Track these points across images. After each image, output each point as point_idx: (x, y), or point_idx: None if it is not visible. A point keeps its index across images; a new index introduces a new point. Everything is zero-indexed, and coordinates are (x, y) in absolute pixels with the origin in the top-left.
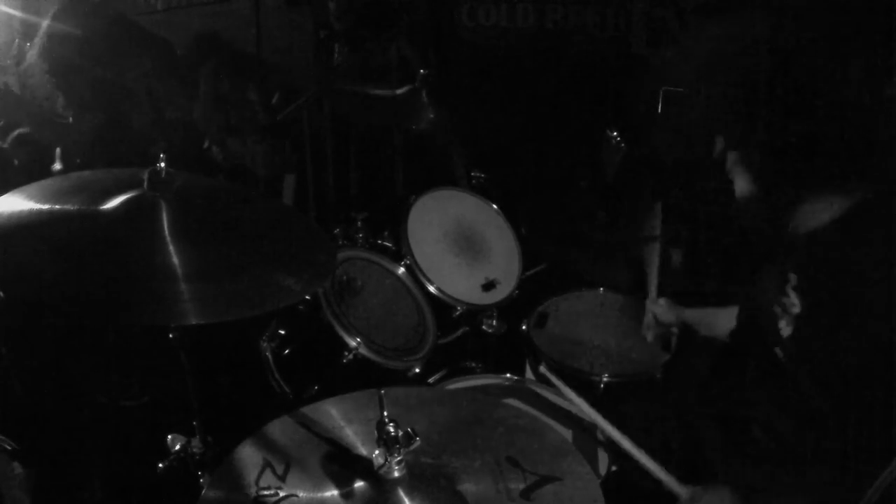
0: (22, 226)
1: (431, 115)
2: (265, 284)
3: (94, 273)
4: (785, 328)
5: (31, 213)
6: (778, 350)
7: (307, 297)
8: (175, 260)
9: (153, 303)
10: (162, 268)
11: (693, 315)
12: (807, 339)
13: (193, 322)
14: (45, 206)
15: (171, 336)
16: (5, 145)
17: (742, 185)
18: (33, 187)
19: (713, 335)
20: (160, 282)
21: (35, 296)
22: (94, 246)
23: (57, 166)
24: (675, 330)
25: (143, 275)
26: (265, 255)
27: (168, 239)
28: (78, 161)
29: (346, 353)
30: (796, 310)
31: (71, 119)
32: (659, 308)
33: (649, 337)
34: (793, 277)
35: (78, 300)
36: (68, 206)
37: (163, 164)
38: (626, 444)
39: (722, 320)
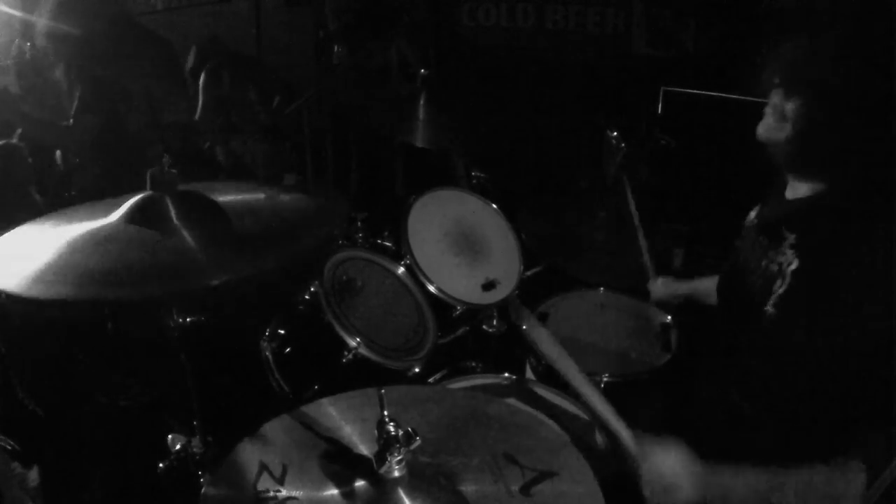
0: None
1: (428, 124)
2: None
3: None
4: (780, 286)
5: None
6: (769, 308)
7: (307, 296)
8: (188, 238)
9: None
10: (176, 247)
11: (691, 286)
12: (802, 293)
13: (215, 282)
14: (61, 237)
15: (170, 332)
16: (21, 143)
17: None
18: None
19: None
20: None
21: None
22: (109, 249)
23: (58, 158)
24: (670, 321)
25: (159, 256)
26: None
27: (178, 224)
28: (77, 161)
29: (346, 353)
30: (793, 267)
31: (71, 121)
32: (655, 287)
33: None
34: (790, 236)
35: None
36: (81, 229)
37: (165, 165)
38: (587, 389)
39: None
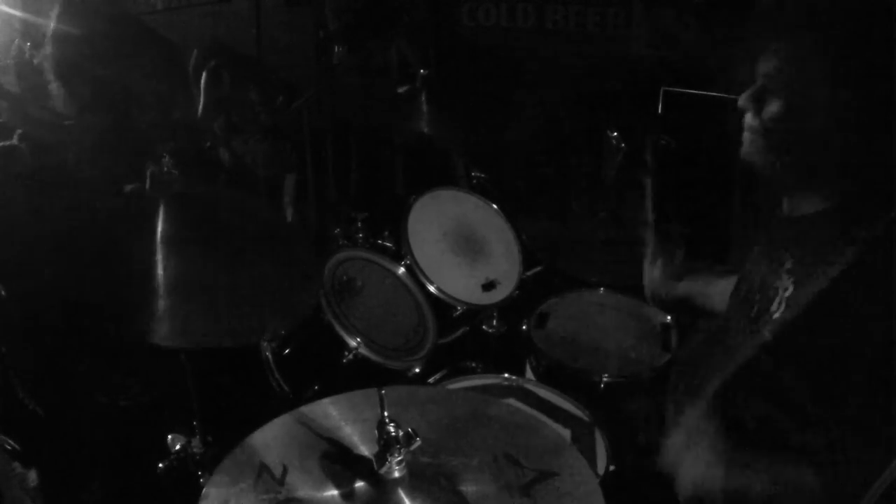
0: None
1: (428, 124)
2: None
3: (87, 270)
4: (776, 310)
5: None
6: (766, 332)
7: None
8: (162, 272)
9: (138, 313)
10: (149, 278)
11: (686, 287)
12: (795, 322)
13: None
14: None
15: None
16: (21, 144)
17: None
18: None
19: (710, 307)
20: (146, 293)
21: (31, 290)
22: (91, 241)
23: None
24: (670, 321)
25: (133, 281)
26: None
27: (159, 246)
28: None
29: (346, 353)
30: (789, 293)
31: (72, 120)
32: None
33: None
34: (788, 261)
35: (69, 299)
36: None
37: (166, 164)
38: None
39: (716, 291)
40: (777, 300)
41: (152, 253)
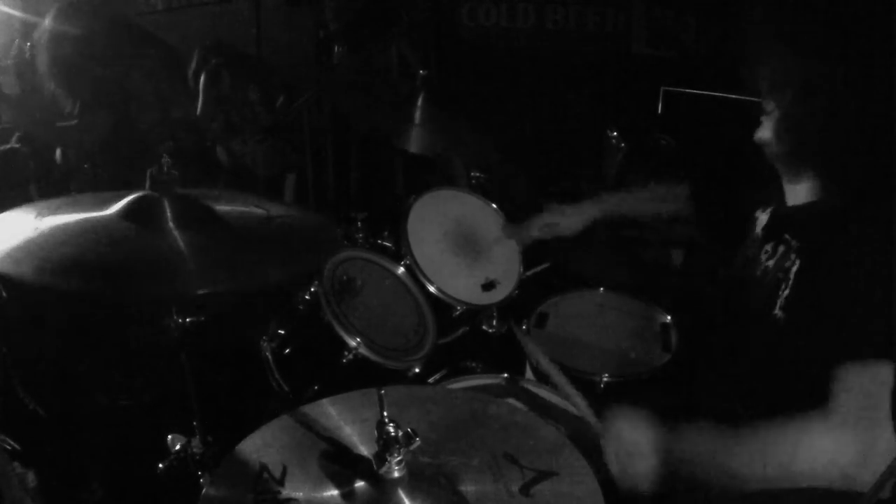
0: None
1: (428, 124)
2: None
3: (104, 265)
4: (784, 288)
5: (37, 229)
6: (777, 311)
7: (307, 296)
8: (180, 242)
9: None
10: (168, 250)
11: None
12: (806, 293)
13: (201, 292)
14: (52, 220)
15: (170, 332)
16: (21, 147)
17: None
18: (40, 204)
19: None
20: (167, 258)
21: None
22: (102, 246)
23: (57, 156)
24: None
25: (151, 256)
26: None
27: (172, 226)
28: (86, 165)
29: (346, 353)
30: (796, 268)
31: (75, 120)
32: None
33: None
34: (793, 242)
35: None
36: (74, 216)
37: (166, 164)
38: (547, 365)
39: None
40: (786, 280)
41: (162, 238)
